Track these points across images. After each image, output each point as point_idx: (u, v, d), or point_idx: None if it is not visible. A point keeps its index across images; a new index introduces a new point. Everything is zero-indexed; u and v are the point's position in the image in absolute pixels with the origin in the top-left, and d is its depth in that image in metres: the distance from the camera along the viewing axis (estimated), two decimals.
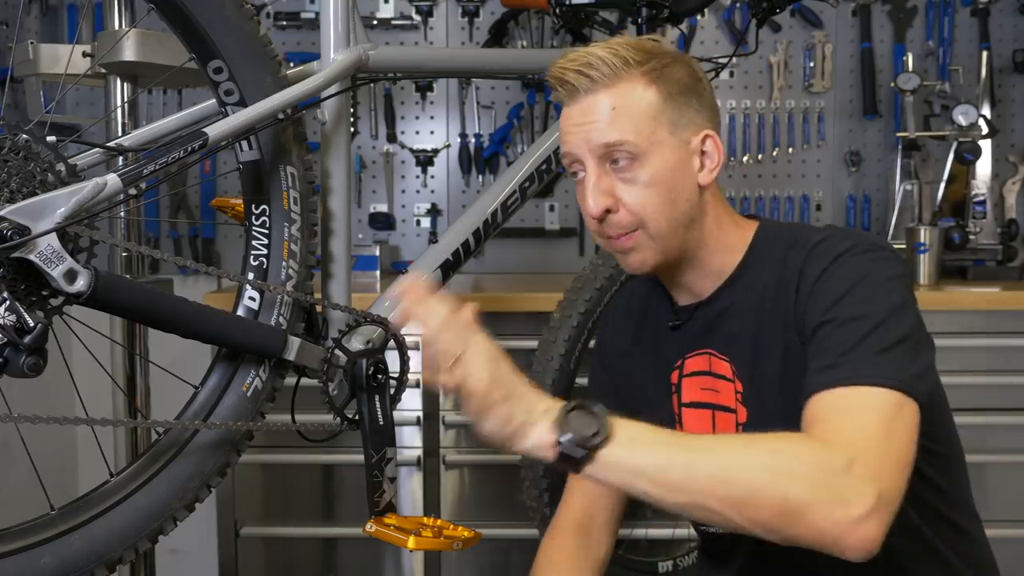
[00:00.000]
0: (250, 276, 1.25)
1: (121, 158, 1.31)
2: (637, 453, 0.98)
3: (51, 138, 1.05)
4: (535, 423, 0.98)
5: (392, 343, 1.36)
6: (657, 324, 1.34)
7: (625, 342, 1.40)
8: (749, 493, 0.96)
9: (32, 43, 1.80)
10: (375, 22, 2.92)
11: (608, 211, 1.18)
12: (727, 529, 1.08)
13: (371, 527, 1.28)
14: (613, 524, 1.42)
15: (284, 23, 2.93)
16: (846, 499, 0.94)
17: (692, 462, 0.98)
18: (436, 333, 1.01)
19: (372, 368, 1.30)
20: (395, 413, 1.33)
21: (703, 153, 1.20)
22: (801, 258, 1.18)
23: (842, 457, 0.96)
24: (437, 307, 1.03)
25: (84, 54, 1.78)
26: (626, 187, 1.17)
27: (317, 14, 1.40)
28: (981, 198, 2.74)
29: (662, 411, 1.31)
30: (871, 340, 1.07)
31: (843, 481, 0.95)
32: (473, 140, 2.97)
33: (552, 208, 2.99)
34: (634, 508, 1.50)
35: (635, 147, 1.16)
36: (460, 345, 1.00)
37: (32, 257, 0.99)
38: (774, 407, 1.19)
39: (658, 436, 1.01)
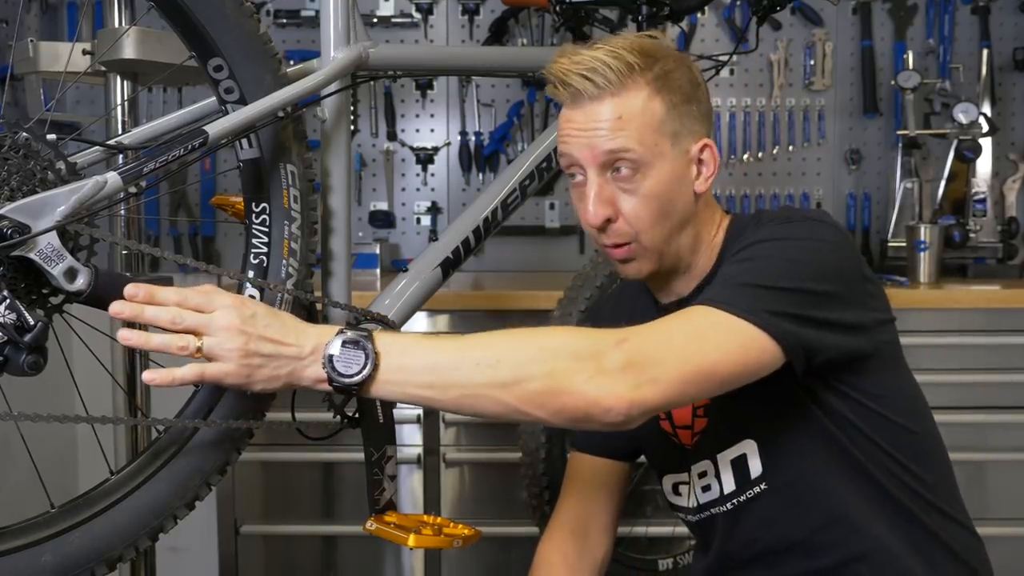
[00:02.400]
0: (250, 274, 1.24)
1: (121, 156, 1.31)
2: (407, 365, 1.01)
3: (51, 136, 1.05)
4: (307, 365, 1.01)
5: None
6: (644, 322, 1.35)
7: None
8: (516, 371, 0.99)
9: (32, 41, 1.80)
10: (375, 20, 2.92)
11: (608, 220, 1.19)
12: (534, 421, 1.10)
13: (371, 525, 1.28)
14: (611, 525, 1.43)
15: (284, 21, 2.93)
16: (605, 367, 0.98)
17: (460, 355, 1.01)
18: (172, 318, 0.98)
19: None
20: (395, 411, 1.33)
21: (700, 161, 1.22)
22: (749, 236, 1.19)
23: (617, 336, 1.01)
24: (163, 294, 0.99)
25: (84, 52, 1.78)
26: (626, 197, 1.18)
27: (317, 12, 1.40)
28: (981, 196, 2.74)
29: None
30: (744, 276, 1.10)
31: (608, 351, 0.99)
32: (473, 138, 2.97)
33: (552, 206, 2.99)
34: (634, 506, 1.50)
35: (639, 157, 1.16)
36: (196, 320, 0.98)
37: (32, 255, 0.99)
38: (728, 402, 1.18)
39: (427, 342, 1.05)
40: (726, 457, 1.24)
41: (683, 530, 1.84)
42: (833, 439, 1.18)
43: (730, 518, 1.27)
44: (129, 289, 0.98)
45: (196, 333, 0.99)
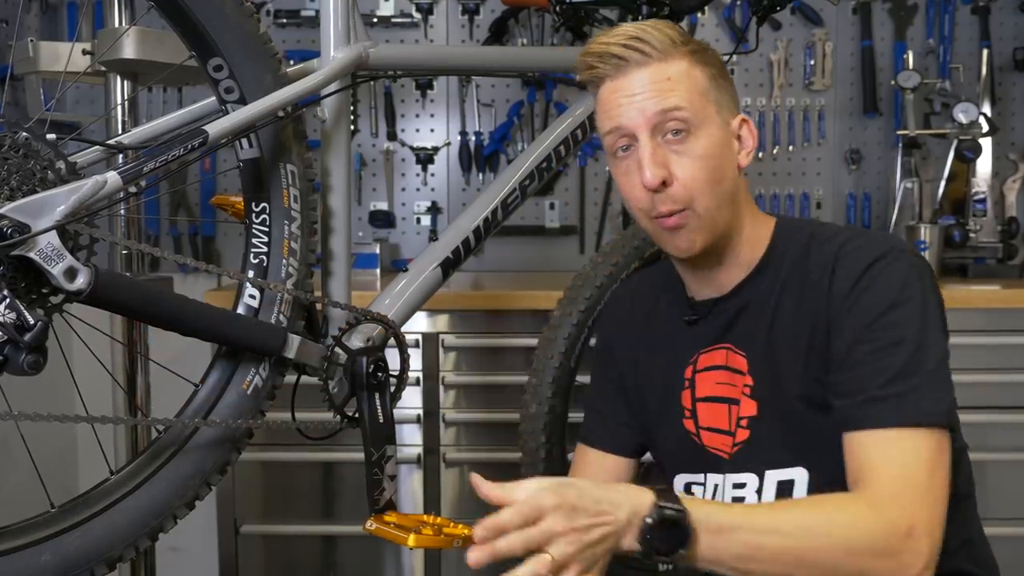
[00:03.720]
0: (250, 274, 1.24)
1: (121, 156, 1.31)
2: (720, 548, 1.02)
3: (51, 136, 1.05)
4: (623, 536, 1.01)
5: (392, 341, 1.36)
6: (668, 320, 1.35)
7: (630, 338, 1.40)
8: (828, 570, 1.04)
9: (32, 41, 1.80)
10: (375, 20, 2.92)
11: (664, 183, 1.18)
12: None
13: (371, 525, 1.28)
14: None
15: (284, 21, 2.92)
16: (909, 564, 1.04)
17: (773, 550, 1.03)
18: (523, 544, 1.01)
19: (372, 366, 1.29)
20: (395, 411, 1.33)
21: (738, 138, 1.23)
22: (828, 256, 1.19)
23: (903, 526, 1.04)
24: (503, 520, 1.02)
25: (84, 52, 1.78)
26: (678, 159, 1.18)
27: (317, 12, 1.40)
28: (981, 196, 2.74)
29: (672, 405, 1.31)
30: (911, 368, 1.10)
31: (905, 546, 1.03)
32: (473, 138, 2.97)
33: (552, 206, 2.99)
34: None
35: (691, 116, 1.17)
36: (539, 538, 1.00)
37: (32, 255, 0.99)
38: (784, 404, 1.20)
39: (734, 521, 1.03)
40: (774, 477, 1.22)
41: None
42: None
43: None
44: (478, 532, 1.02)
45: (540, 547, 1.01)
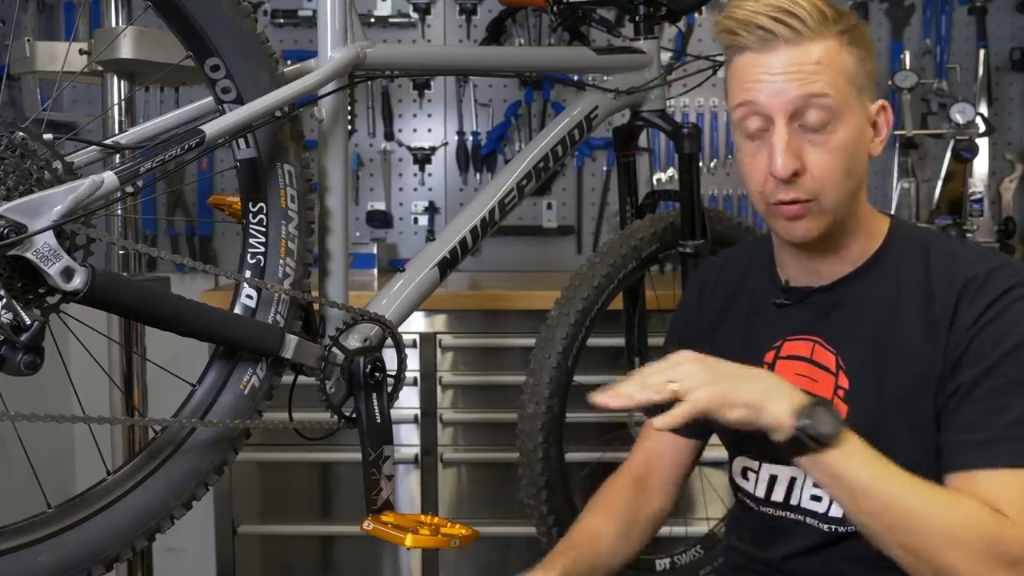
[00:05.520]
0: (247, 274, 1.24)
1: (118, 156, 1.31)
2: (853, 467, 1.04)
3: (48, 136, 1.05)
4: (778, 401, 1.04)
5: (389, 341, 1.36)
6: (755, 300, 1.32)
7: (710, 315, 1.37)
8: (923, 549, 1.03)
9: (29, 40, 1.80)
10: (372, 20, 2.92)
11: (795, 174, 1.12)
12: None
13: (368, 525, 1.28)
14: (670, 486, 1.44)
15: (281, 21, 2.92)
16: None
17: (892, 499, 1.03)
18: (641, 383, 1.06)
19: (369, 366, 1.29)
20: (392, 411, 1.33)
21: (874, 124, 1.18)
22: (954, 278, 1.14)
23: (1015, 552, 1.02)
24: (625, 387, 1.07)
25: (81, 51, 1.78)
26: (813, 150, 1.12)
27: (314, 12, 1.40)
28: (978, 196, 2.74)
29: None
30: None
31: (1005, 573, 1.02)
32: (471, 138, 2.97)
33: (550, 206, 2.99)
34: None
35: (835, 104, 1.11)
36: (663, 372, 1.07)
37: (29, 255, 0.99)
38: (881, 416, 1.16)
39: (875, 461, 1.05)
40: None
41: (680, 530, 1.84)
42: None
43: (815, 535, 1.22)
44: (598, 398, 1.07)
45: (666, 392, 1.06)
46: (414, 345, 2.36)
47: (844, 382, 1.19)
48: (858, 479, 1.04)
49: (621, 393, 1.06)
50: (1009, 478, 1.05)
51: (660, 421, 1.04)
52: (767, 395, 1.05)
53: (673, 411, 1.04)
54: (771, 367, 1.26)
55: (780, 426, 1.04)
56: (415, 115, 3.00)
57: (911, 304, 1.16)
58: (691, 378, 1.05)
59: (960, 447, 1.09)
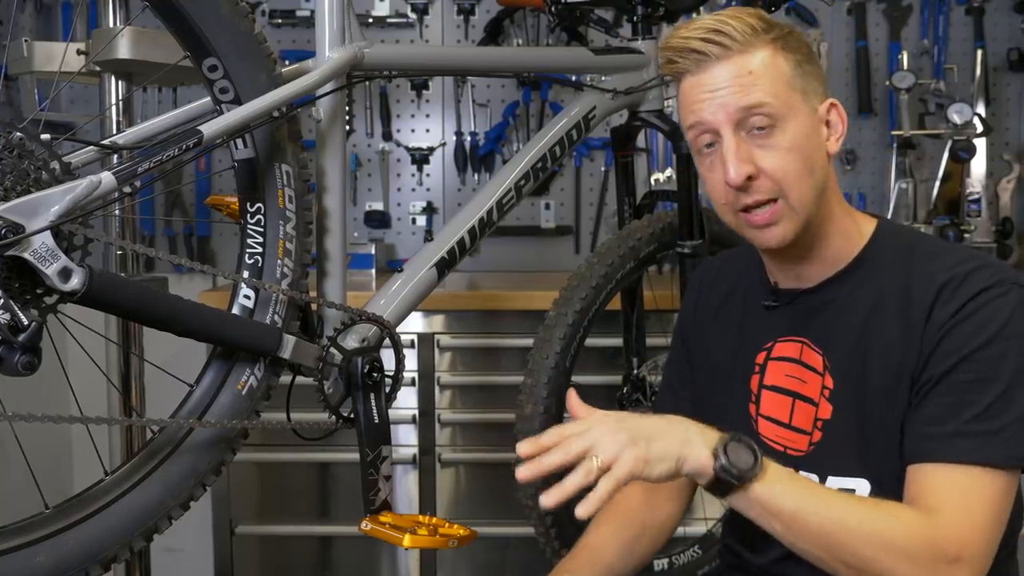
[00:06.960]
0: (245, 274, 1.24)
1: (116, 156, 1.31)
2: (779, 494, 1.05)
3: (45, 136, 1.05)
4: (694, 447, 1.05)
5: (387, 341, 1.36)
6: (747, 302, 1.33)
7: (706, 316, 1.39)
8: (863, 561, 1.04)
9: (26, 41, 1.79)
10: (370, 20, 2.92)
11: (750, 178, 1.15)
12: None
13: (367, 525, 1.28)
14: (681, 490, 1.43)
15: (279, 21, 2.92)
16: None
17: (825, 519, 1.05)
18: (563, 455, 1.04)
19: (367, 366, 1.30)
20: (390, 411, 1.33)
21: (827, 123, 1.20)
22: (933, 279, 1.15)
23: (952, 551, 1.04)
24: (545, 439, 1.06)
25: (79, 52, 1.77)
26: (764, 153, 1.15)
27: (312, 12, 1.40)
28: (976, 196, 2.75)
29: (737, 389, 1.30)
30: (996, 409, 1.08)
31: (946, 570, 1.04)
32: (469, 138, 2.97)
33: (548, 206, 2.99)
34: None
35: (775, 110, 1.14)
36: (581, 443, 1.04)
37: (26, 255, 0.99)
38: (865, 416, 1.18)
39: (800, 485, 1.08)
40: (836, 483, 1.20)
41: (679, 530, 1.83)
42: None
43: None
44: (522, 447, 1.06)
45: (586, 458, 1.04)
46: (412, 345, 2.36)
47: (830, 382, 1.21)
48: (787, 505, 1.05)
49: (544, 463, 1.04)
50: (958, 476, 1.07)
51: (583, 509, 1.02)
52: (685, 443, 1.05)
53: (596, 493, 1.02)
54: (763, 368, 1.28)
55: (703, 469, 1.05)
56: (413, 115, 3.00)
57: (892, 306, 1.17)
58: (608, 447, 1.03)
59: (920, 439, 1.11)
